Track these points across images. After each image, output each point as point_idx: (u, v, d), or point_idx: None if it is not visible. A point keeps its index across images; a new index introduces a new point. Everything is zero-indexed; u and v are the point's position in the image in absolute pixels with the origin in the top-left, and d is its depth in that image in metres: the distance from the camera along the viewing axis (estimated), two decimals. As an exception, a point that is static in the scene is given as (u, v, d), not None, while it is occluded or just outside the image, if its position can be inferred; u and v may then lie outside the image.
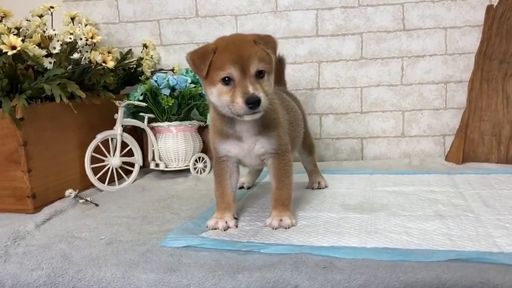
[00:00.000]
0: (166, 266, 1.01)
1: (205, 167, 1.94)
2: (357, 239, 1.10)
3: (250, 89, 1.08)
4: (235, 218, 1.28)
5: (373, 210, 1.32)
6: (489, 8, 1.88)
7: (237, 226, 1.24)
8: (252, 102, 1.07)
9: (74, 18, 1.77)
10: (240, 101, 1.08)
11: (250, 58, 1.10)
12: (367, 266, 0.95)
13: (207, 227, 1.23)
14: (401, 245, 1.05)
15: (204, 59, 1.13)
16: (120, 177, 1.80)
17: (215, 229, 1.22)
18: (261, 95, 1.09)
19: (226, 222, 1.23)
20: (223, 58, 1.10)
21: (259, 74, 1.12)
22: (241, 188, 1.66)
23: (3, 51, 1.41)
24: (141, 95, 1.88)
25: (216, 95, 1.13)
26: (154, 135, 1.90)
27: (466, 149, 1.91)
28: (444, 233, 1.11)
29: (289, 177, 1.27)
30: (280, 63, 1.65)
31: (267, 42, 1.16)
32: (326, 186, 1.62)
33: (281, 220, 1.21)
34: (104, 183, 1.73)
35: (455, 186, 1.53)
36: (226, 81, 1.11)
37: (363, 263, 0.96)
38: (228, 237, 1.15)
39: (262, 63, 1.12)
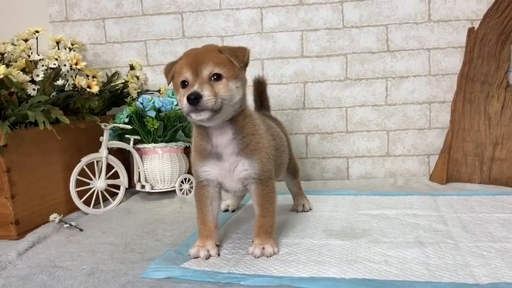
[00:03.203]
0: (146, 299, 1.01)
1: (191, 187, 1.94)
2: (337, 269, 1.11)
3: (195, 87, 1.09)
4: (217, 245, 1.28)
5: (354, 236, 1.33)
6: (470, 31, 1.91)
7: (219, 254, 1.24)
8: (192, 99, 1.08)
9: (59, 42, 1.78)
10: (184, 99, 1.10)
11: (204, 62, 1.13)
12: (345, 299, 0.96)
13: (189, 255, 1.23)
14: (379, 275, 1.06)
15: (170, 67, 1.20)
16: (105, 199, 1.80)
17: (197, 257, 1.22)
18: (205, 93, 1.08)
19: (208, 251, 1.23)
20: (182, 64, 1.16)
21: (216, 78, 1.13)
22: (226, 211, 1.67)
23: (-14, 78, 1.41)
24: (126, 117, 1.88)
25: (178, 99, 1.17)
26: (140, 156, 1.91)
27: (449, 169, 1.93)
28: (423, 262, 1.13)
29: (272, 204, 1.27)
30: (261, 84, 1.65)
31: (233, 50, 1.18)
32: (310, 209, 1.63)
33: (263, 248, 1.22)
34: (89, 206, 1.73)
35: (437, 209, 1.55)
36: (185, 84, 1.15)
37: (341, 296, 0.97)
38: (209, 268, 1.16)
39: (218, 67, 1.13)
